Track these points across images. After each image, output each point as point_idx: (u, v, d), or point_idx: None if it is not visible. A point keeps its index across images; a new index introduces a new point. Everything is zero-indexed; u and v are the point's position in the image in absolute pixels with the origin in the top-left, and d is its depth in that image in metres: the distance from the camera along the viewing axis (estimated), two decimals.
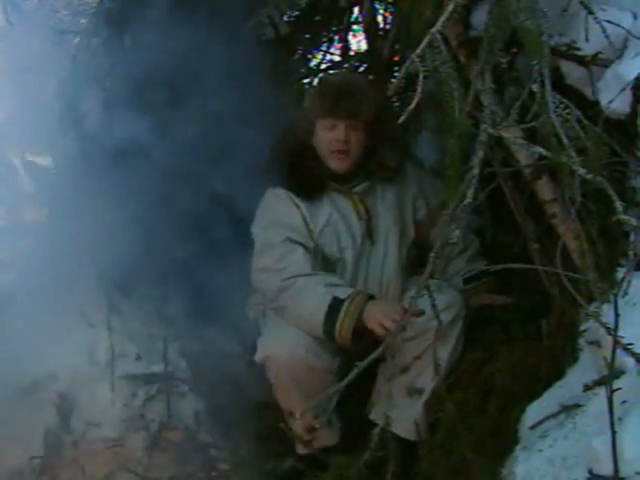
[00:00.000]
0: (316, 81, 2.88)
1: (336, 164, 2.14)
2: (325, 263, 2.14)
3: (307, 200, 2.14)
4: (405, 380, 2.03)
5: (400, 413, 1.92)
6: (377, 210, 2.21)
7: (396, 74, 2.49)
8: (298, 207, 2.14)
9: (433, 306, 1.65)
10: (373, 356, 1.64)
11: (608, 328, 1.29)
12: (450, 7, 1.36)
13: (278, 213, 2.15)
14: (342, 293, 2.00)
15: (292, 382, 2.04)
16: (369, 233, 2.19)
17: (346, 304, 1.98)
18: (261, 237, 2.15)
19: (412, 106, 1.21)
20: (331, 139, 2.11)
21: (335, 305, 1.98)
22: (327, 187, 2.17)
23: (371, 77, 2.78)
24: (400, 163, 2.23)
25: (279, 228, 2.12)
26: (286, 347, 2.04)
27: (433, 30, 1.26)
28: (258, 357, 2.10)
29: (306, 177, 2.14)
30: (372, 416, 2.14)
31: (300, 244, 2.10)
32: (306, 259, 2.09)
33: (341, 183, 2.19)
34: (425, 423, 2.06)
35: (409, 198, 2.28)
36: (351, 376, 1.62)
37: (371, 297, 2.03)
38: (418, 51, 1.24)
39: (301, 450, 2.17)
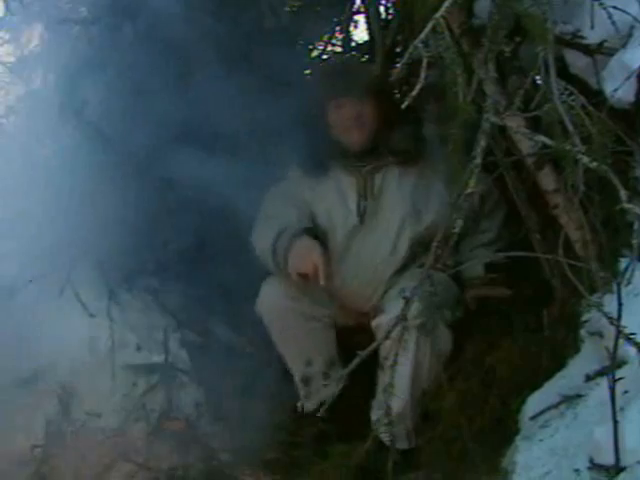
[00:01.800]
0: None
1: (353, 138, 2.16)
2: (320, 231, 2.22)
3: (313, 174, 2.23)
4: (383, 378, 2.03)
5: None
6: (386, 193, 2.18)
7: (398, 65, 2.48)
8: (303, 180, 2.24)
9: (433, 294, 1.65)
10: (374, 345, 1.64)
11: (611, 318, 1.28)
12: None
13: (289, 184, 2.28)
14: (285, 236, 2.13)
15: (279, 329, 2.19)
16: (365, 212, 2.18)
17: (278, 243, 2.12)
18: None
19: (415, 92, 1.20)
20: (343, 118, 2.16)
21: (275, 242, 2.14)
22: (334, 165, 2.21)
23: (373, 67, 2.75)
24: (413, 149, 2.18)
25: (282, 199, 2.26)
26: (273, 293, 2.19)
27: (437, 15, 1.25)
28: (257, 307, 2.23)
29: (315, 154, 2.21)
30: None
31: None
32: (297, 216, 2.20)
33: (351, 161, 2.21)
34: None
35: (441, 197, 2.13)
36: (352, 365, 1.62)
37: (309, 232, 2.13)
38: (422, 37, 1.23)
39: (303, 407, 2.15)
